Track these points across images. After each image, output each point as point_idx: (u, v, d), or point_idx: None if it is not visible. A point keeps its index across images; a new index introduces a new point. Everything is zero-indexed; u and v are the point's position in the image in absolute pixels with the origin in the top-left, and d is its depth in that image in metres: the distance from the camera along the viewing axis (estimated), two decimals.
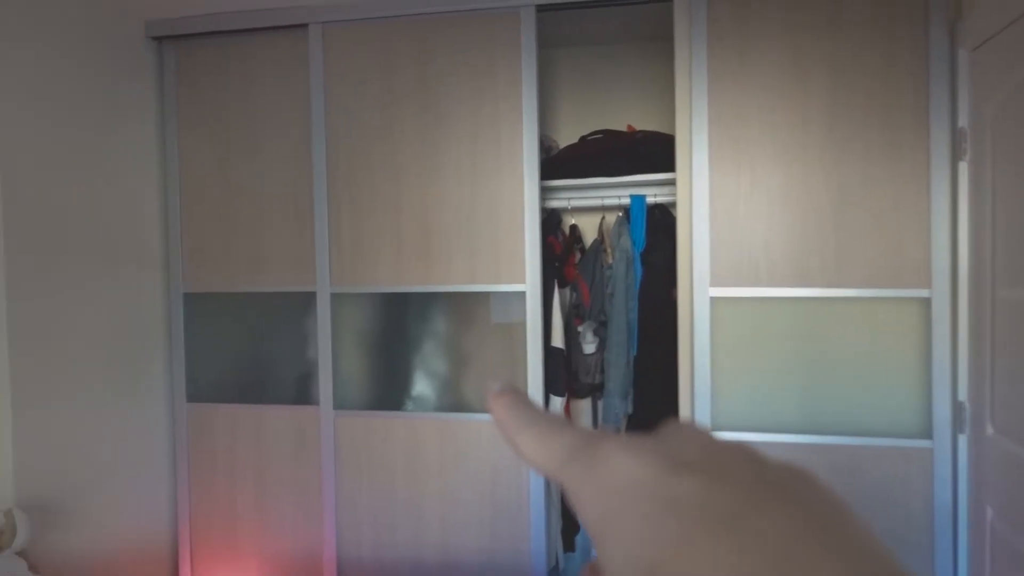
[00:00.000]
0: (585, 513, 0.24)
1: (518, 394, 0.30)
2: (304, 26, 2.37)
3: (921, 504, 1.98)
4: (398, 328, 2.41)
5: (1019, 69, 1.64)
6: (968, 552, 1.94)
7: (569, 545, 2.67)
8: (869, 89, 2.01)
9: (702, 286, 2.10)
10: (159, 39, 2.48)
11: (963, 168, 1.93)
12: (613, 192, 2.55)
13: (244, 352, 2.53)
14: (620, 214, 2.56)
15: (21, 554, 1.83)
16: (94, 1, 2.21)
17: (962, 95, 1.93)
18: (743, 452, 0.24)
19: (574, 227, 2.74)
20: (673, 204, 2.30)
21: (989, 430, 1.80)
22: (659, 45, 2.66)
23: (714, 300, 2.10)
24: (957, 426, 1.95)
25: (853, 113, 2.02)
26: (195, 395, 2.52)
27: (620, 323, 2.44)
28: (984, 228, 1.82)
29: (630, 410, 2.49)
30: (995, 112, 1.77)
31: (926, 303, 1.99)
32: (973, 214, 1.90)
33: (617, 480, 0.23)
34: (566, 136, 2.82)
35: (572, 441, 0.26)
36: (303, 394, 2.44)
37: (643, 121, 2.77)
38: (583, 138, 2.66)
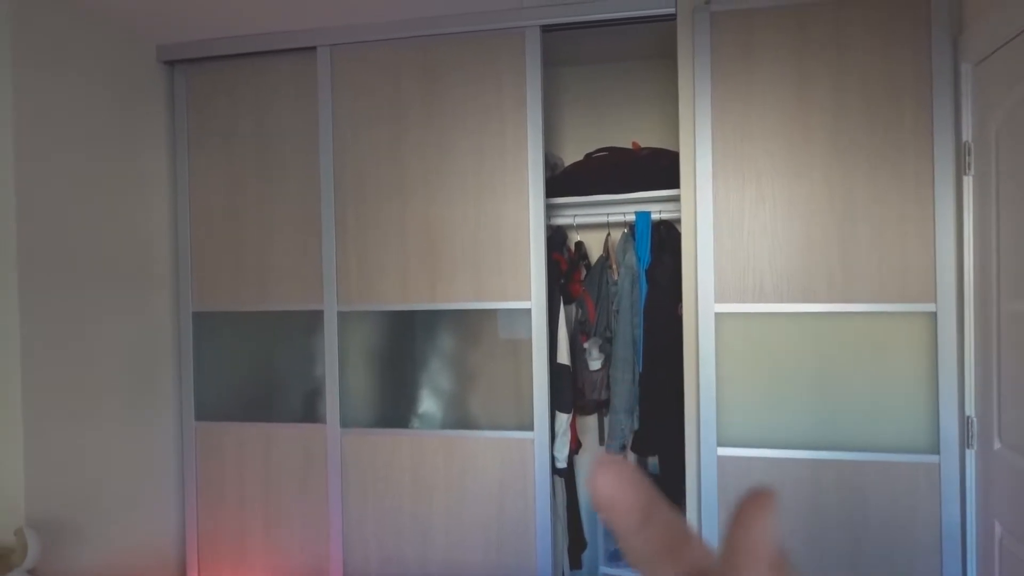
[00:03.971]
0: None
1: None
2: (312, 49, 2.41)
3: (929, 520, 1.97)
4: (404, 346, 2.43)
5: (1023, 83, 1.64)
6: (977, 569, 1.91)
7: (576, 563, 2.65)
8: (873, 104, 2.02)
9: (707, 302, 2.10)
10: (170, 63, 2.53)
11: (968, 182, 1.93)
12: (618, 209, 2.56)
13: (252, 371, 2.55)
14: (625, 231, 2.57)
15: (32, 572, 1.85)
16: (107, 27, 2.26)
17: (966, 109, 1.93)
18: None
19: (579, 244, 2.76)
20: (678, 220, 2.30)
21: (997, 444, 1.79)
22: (663, 63, 2.68)
23: (719, 316, 2.10)
24: (965, 441, 1.94)
25: (857, 128, 2.03)
26: (203, 413, 2.54)
27: (626, 339, 2.44)
28: (989, 242, 1.81)
29: (636, 426, 2.48)
30: (999, 126, 1.77)
31: (932, 317, 1.98)
32: (978, 228, 1.89)
33: None
34: (571, 153, 2.84)
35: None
36: (310, 412, 2.46)
37: (648, 138, 2.78)
38: (588, 155, 2.67)
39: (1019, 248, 1.67)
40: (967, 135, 1.93)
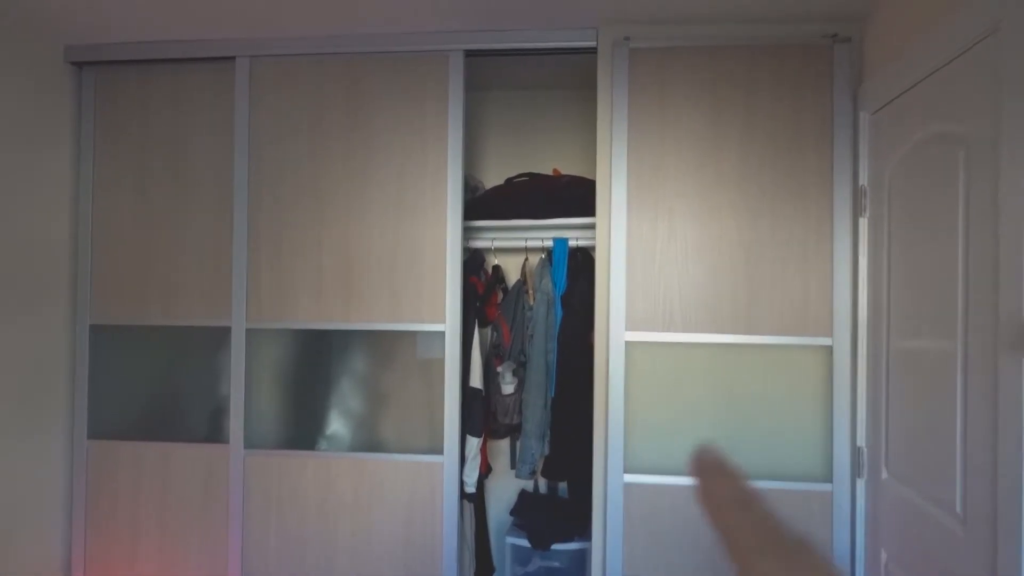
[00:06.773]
0: None
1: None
2: (231, 59, 2.36)
3: (821, 547, 2.03)
4: (314, 366, 2.37)
5: (913, 132, 1.74)
6: None
7: None
8: (779, 146, 2.11)
9: (618, 330, 2.14)
10: (79, 64, 2.42)
11: (863, 224, 2.03)
12: (537, 234, 2.58)
13: (153, 388, 2.44)
14: (543, 256, 2.59)
15: None
16: (7, 20, 2.15)
17: (863, 155, 2.04)
18: None
19: (497, 267, 2.77)
20: (595, 248, 2.34)
21: (884, 474, 1.87)
22: (586, 93, 2.73)
23: (629, 344, 2.14)
24: (856, 470, 2.02)
25: (764, 168, 2.12)
26: (98, 431, 2.41)
27: (539, 364, 2.45)
28: (881, 281, 1.91)
29: (547, 451, 2.49)
30: (892, 172, 1.87)
31: (828, 351, 2.07)
32: (872, 268, 1.99)
33: None
34: (493, 177, 2.86)
35: None
36: (213, 432, 2.37)
37: (569, 166, 2.83)
38: (509, 180, 2.70)
39: (908, 287, 1.77)
40: (863, 179, 2.03)
